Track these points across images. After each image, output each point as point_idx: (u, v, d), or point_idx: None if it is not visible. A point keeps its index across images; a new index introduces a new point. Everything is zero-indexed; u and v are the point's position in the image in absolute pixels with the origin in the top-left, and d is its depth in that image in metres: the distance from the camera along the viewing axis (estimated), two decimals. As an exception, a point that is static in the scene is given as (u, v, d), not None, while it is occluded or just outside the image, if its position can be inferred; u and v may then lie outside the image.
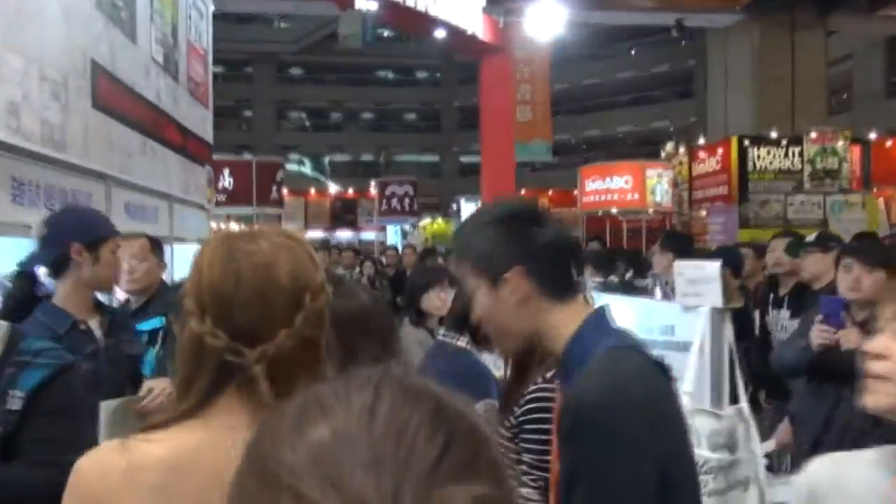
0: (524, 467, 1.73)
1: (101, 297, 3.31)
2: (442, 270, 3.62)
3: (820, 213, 12.20)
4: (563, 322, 1.33)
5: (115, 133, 3.54)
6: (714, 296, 2.01)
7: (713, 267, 2.02)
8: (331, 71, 35.35)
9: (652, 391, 1.23)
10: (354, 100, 35.51)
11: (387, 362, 1.99)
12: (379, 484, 0.43)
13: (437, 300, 3.40)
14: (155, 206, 4.34)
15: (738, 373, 2.08)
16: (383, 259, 11.31)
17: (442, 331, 2.87)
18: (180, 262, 4.84)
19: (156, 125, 4.26)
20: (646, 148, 24.29)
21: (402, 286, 8.54)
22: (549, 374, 1.78)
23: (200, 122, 5.62)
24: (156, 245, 3.25)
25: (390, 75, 36.81)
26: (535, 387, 1.78)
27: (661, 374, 1.29)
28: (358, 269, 9.98)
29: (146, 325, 3.09)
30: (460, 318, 2.77)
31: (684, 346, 2.10)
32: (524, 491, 1.70)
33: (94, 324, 2.44)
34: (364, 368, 0.53)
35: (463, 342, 2.70)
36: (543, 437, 1.63)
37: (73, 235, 2.30)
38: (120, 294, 3.42)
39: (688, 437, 1.30)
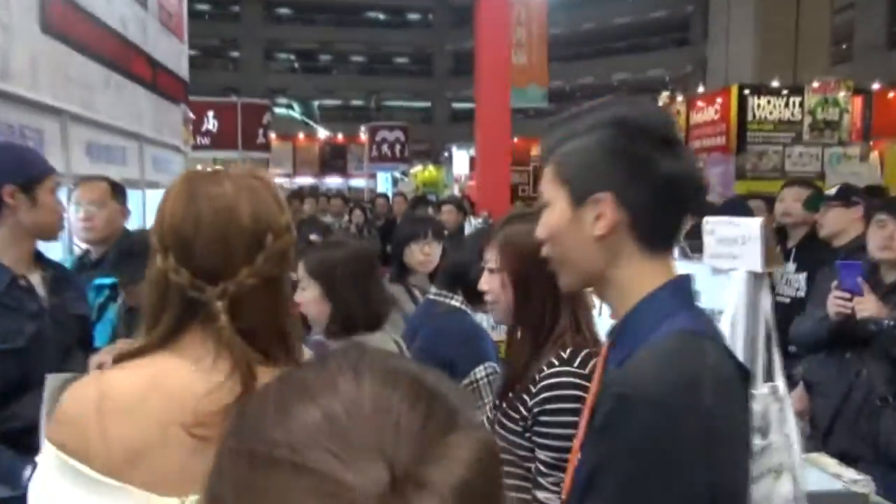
0: (540, 466, 1.43)
1: (59, 248, 3.02)
2: (426, 221, 3.32)
3: (818, 166, 12.06)
4: (641, 278, 1.04)
5: (71, 63, 3.15)
6: (753, 258, 1.73)
7: (753, 224, 1.72)
8: (320, 11, 34.52)
9: (724, 399, 0.94)
10: (344, 41, 34.69)
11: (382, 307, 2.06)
12: (379, 447, 0.45)
13: (420, 254, 3.11)
14: (122, 147, 3.95)
15: (774, 346, 1.81)
16: (372, 207, 10.97)
17: (433, 289, 2.61)
18: (154, 209, 4.50)
19: (121, 57, 3.84)
20: (641, 97, 23.77)
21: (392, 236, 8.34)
22: (565, 353, 1.49)
23: (174, 56, 5.15)
24: (118, 190, 2.92)
25: (381, 17, 35.95)
26: (555, 369, 1.46)
27: (740, 379, 1.00)
28: (347, 218, 9.72)
29: (107, 279, 2.79)
30: (453, 276, 2.51)
31: (712, 316, 1.83)
32: (541, 495, 1.41)
33: (36, 279, 2.14)
34: (339, 351, 0.55)
35: (456, 301, 2.45)
36: (566, 431, 1.34)
37: (4, 176, 1.98)
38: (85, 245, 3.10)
39: (749, 461, 1.02)
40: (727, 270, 1.81)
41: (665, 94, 15.23)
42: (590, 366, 1.46)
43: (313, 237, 4.10)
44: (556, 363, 1.48)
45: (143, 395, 0.98)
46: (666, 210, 1.04)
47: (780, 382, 1.80)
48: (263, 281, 1.04)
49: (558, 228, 1.07)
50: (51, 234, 2.21)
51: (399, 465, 0.44)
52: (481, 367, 2.22)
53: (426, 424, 0.47)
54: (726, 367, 0.97)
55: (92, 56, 3.38)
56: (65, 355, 2.11)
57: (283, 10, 35.24)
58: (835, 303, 2.74)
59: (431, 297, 2.56)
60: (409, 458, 0.45)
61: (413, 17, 36.53)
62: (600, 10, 29.54)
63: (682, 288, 1.06)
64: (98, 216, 2.79)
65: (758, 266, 1.74)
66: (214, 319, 1.01)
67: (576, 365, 1.47)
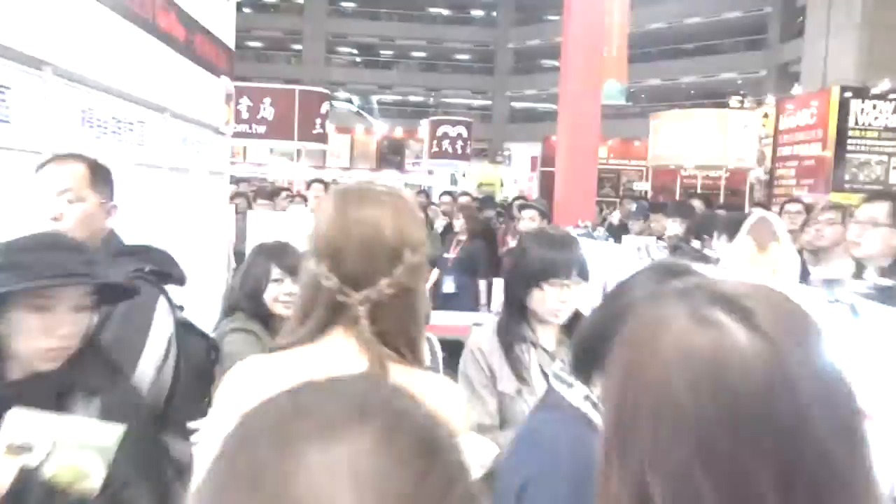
0: None
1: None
2: (566, 247, 2.10)
3: (928, 180, 11.08)
4: None
5: (57, 2, 2.28)
6: None
7: None
8: (383, 5, 34.01)
9: None
10: (406, 37, 34.16)
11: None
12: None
13: (556, 301, 2.05)
14: (137, 121, 3.08)
15: None
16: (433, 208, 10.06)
17: (556, 365, 1.43)
18: (180, 200, 3.64)
19: (141, 3, 2.99)
20: (710, 102, 22.50)
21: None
22: None
23: (217, 16, 4.26)
24: (101, 175, 1.99)
25: (444, 12, 35.29)
26: None
27: None
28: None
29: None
30: (584, 351, 1.30)
31: None
32: None
33: None
34: (352, 381, 0.55)
35: (579, 395, 1.27)
36: None
37: None
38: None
39: None
40: None
41: (735, 99, 14.33)
42: None
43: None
44: None
45: (297, 372, 0.98)
46: None
47: None
48: (401, 290, 1.18)
49: None
50: None
51: None
52: None
53: (418, 489, 0.46)
54: None
55: (91, -7, 2.51)
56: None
57: (347, 4, 34.94)
58: None
59: (553, 378, 1.38)
60: None
61: (477, 13, 35.81)
62: (669, 10, 28.13)
63: None
64: (70, 213, 1.89)
65: None
66: (356, 322, 1.16)
67: None
